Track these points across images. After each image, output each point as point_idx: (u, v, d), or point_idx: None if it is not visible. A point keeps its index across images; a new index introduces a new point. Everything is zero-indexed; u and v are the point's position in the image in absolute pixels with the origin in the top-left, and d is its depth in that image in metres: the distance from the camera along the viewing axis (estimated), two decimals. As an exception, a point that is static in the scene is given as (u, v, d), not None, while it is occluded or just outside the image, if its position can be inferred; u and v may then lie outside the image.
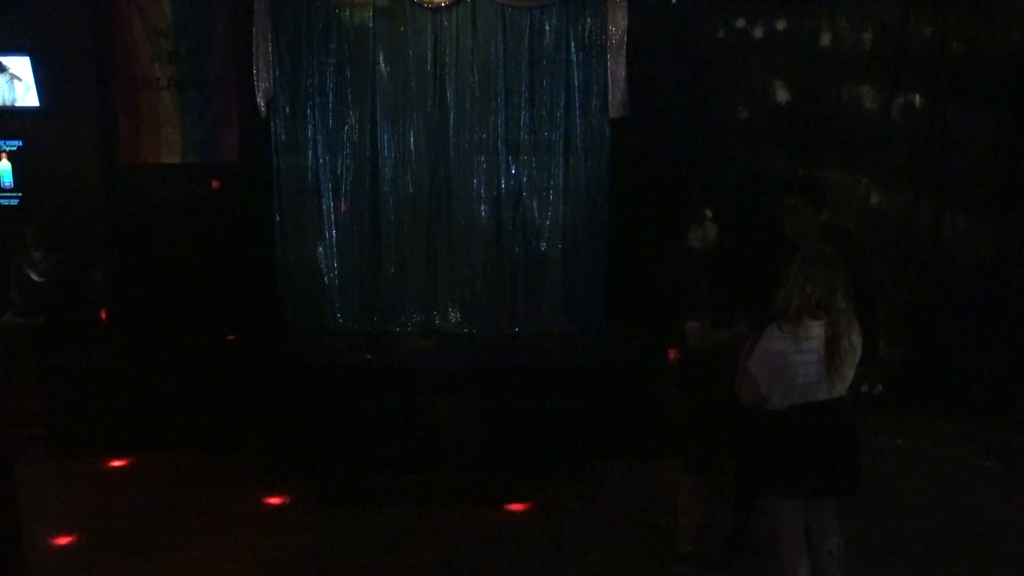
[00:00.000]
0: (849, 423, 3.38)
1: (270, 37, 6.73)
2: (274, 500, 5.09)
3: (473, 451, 5.43)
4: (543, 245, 6.95)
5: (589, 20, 6.76)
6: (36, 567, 3.85)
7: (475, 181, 6.91)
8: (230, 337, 6.66)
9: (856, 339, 3.29)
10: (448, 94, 6.83)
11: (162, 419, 5.79)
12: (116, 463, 5.61)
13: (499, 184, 6.90)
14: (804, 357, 3.24)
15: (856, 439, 3.42)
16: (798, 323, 3.24)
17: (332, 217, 6.95)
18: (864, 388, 3.57)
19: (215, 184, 7.02)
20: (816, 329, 3.24)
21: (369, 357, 6.29)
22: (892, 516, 4.69)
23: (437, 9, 6.73)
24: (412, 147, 6.89)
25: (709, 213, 4.09)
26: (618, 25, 6.66)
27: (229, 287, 6.93)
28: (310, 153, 6.91)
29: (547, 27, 6.78)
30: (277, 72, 6.79)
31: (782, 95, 6.75)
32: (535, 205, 6.92)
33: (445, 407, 5.72)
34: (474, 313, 6.99)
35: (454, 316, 7.00)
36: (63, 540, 4.57)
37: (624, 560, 4.27)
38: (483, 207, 6.93)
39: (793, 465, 3.34)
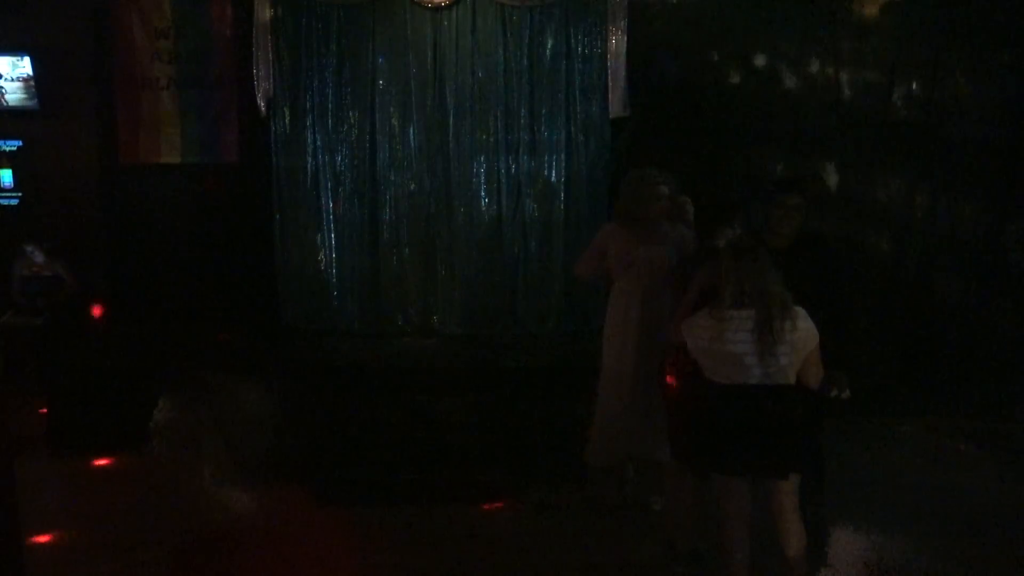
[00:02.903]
0: (791, 409, 3.41)
1: (270, 37, 6.73)
2: (273, 500, 5.08)
3: (473, 451, 5.43)
4: (543, 245, 6.96)
5: (589, 20, 6.77)
6: (36, 567, 3.84)
7: (475, 181, 6.92)
8: (220, 337, 6.64)
9: (795, 323, 3.33)
10: (448, 94, 6.84)
11: (162, 419, 5.79)
12: (116, 463, 5.61)
13: (499, 184, 6.90)
14: (731, 345, 3.32)
15: (797, 425, 3.45)
16: (726, 313, 3.33)
17: (332, 217, 6.96)
18: (833, 393, 3.60)
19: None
20: (744, 318, 3.31)
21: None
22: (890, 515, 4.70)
23: (437, 9, 6.74)
24: (412, 147, 6.90)
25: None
26: (618, 25, 6.67)
27: (229, 287, 6.93)
28: (310, 153, 6.92)
29: (547, 27, 6.79)
30: (277, 72, 6.79)
31: (782, 94, 6.75)
32: (535, 205, 6.93)
33: (445, 407, 5.72)
34: (474, 313, 6.99)
35: (454, 316, 7.00)
36: (63, 540, 4.57)
37: (624, 560, 4.27)
38: (483, 207, 6.94)
39: (728, 442, 3.42)
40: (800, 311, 3.38)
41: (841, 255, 4.15)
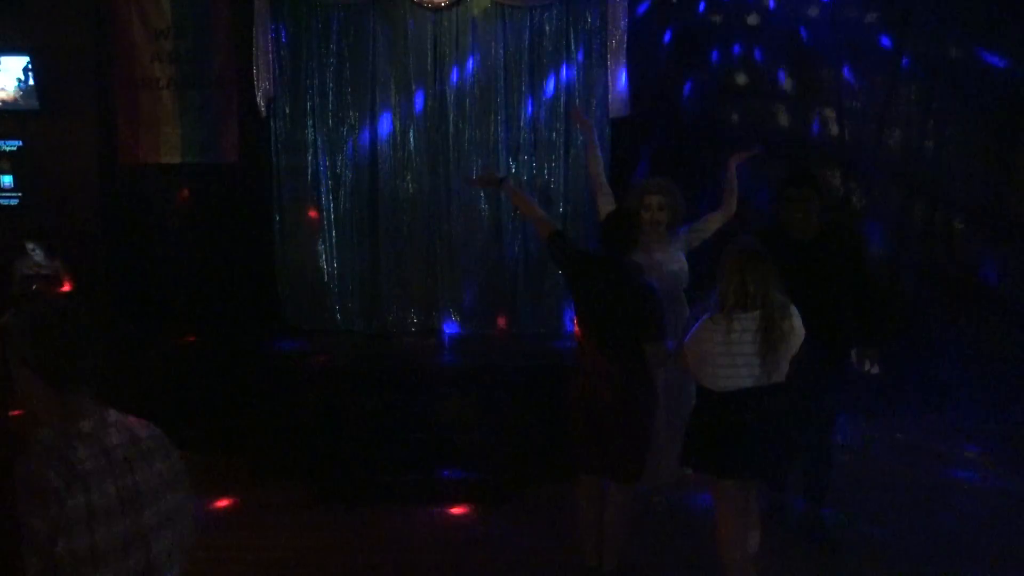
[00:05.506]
0: (785, 407, 3.44)
1: (270, 37, 6.72)
2: (273, 500, 5.09)
3: (473, 451, 5.43)
4: (543, 245, 6.95)
5: (589, 20, 6.76)
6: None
7: (475, 181, 6.92)
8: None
9: (791, 322, 3.37)
10: (448, 94, 6.83)
11: (161, 419, 5.78)
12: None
13: (499, 184, 6.89)
14: (735, 348, 3.34)
15: (791, 425, 3.48)
16: (732, 317, 3.34)
17: (332, 217, 6.96)
18: (865, 368, 3.65)
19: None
20: (748, 321, 3.34)
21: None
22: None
23: (437, 9, 6.73)
24: (412, 147, 6.90)
25: None
26: (618, 25, 6.66)
27: (229, 287, 6.92)
28: (310, 153, 6.91)
29: (547, 27, 6.79)
30: (277, 72, 6.79)
31: (782, 95, 6.76)
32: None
33: (445, 407, 5.72)
34: (474, 313, 6.99)
35: (454, 316, 7.00)
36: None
37: (624, 560, 4.27)
38: (483, 207, 6.93)
39: (727, 446, 3.44)
40: (794, 310, 3.42)
41: (865, 243, 4.27)
